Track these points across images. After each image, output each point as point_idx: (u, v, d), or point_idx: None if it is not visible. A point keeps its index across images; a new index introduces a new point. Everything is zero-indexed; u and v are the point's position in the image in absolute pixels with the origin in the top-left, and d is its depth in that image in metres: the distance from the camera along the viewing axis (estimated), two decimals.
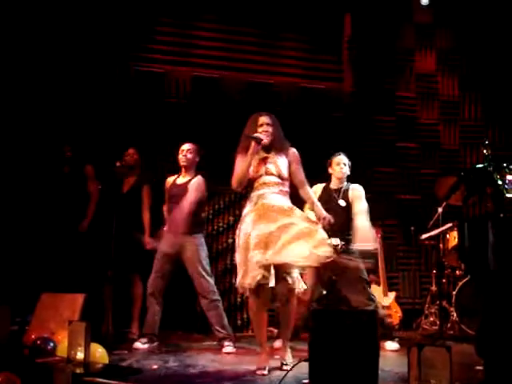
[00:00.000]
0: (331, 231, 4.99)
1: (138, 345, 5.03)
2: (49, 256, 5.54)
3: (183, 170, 5.32)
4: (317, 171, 5.30)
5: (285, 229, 3.90)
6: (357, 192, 5.23)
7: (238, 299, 6.29)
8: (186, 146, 5.30)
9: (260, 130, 4.14)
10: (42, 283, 5.21)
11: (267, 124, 4.16)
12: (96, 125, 6.40)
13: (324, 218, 4.17)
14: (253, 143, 4.08)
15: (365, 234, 5.00)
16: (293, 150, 4.26)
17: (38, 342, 4.11)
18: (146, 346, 5.03)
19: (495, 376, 3.24)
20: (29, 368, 3.61)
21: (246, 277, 3.88)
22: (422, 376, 2.77)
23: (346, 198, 5.21)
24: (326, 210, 4.66)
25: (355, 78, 7.55)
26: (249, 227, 3.99)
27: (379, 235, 6.20)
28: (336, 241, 5.03)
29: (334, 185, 5.29)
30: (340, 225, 5.01)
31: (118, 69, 6.74)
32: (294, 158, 4.23)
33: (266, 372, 3.91)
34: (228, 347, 4.91)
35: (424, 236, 6.28)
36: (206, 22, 7.09)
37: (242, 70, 7.19)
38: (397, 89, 7.69)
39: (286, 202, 4.08)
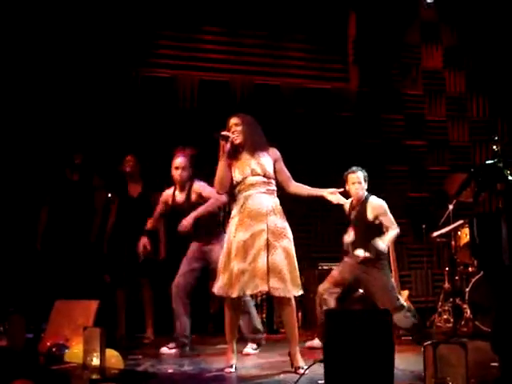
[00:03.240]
0: (356, 243, 5.12)
1: (164, 350, 5.01)
2: (61, 263, 5.57)
3: (178, 186, 5.14)
4: (324, 172, 5.32)
5: (256, 237, 3.96)
6: (378, 209, 5.14)
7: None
8: (179, 162, 5.06)
9: (230, 131, 4.14)
10: (55, 291, 5.24)
11: (235, 124, 4.14)
12: (104, 131, 6.44)
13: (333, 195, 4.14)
14: (222, 142, 4.09)
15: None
16: (274, 149, 4.24)
17: (53, 349, 4.13)
18: (173, 350, 5.00)
19: (511, 372, 3.23)
20: (44, 375, 3.63)
21: (231, 287, 3.95)
22: (437, 374, 2.76)
23: (363, 212, 5.14)
24: (352, 225, 5.17)
25: (361, 77, 7.56)
26: (231, 233, 4.07)
27: None
28: (360, 252, 5.10)
29: (353, 199, 5.23)
30: (362, 238, 5.12)
31: (125, 75, 6.78)
32: (277, 156, 4.22)
33: (233, 370, 4.05)
34: (247, 348, 4.93)
35: (435, 234, 6.26)
36: (210, 30, 7.14)
37: (249, 72, 7.22)
38: (404, 87, 7.70)
39: (268, 203, 4.06)
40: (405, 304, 5.18)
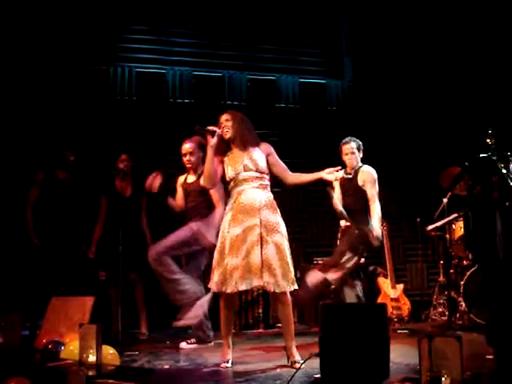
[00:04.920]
0: (346, 211, 5.19)
1: (182, 345, 5.05)
2: (57, 260, 5.57)
3: (191, 171, 5.24)
4: (320, 165, 5.28)
5: (249, 231, 3.98)
6: (367, 175, 5.21)
7: (249, 297, 6.30)
8: (186, 148, 5.17)
9: (221, 127, 4.17)
10: (51, 288, 5.24)
11: (226, 120, 4.19)
12: (94, 129, 6.43)
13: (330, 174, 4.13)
14: (208, 137, 4.11)
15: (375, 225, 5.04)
16: (266, 143, 4.27)
17: (50, 346, 4.12)
18: (193, 346, 5.04)
19: (506, 365, 3.25)
20: (41, 372, 3.62)
21: (225, 283, 3.96)
22: (433, 367, 2.77)
23: (355, 181, 5.22)
24: (345, 193, 5.28)
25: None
26: (225, 229, 4.08)
27: (385, 228, 6.20)
28: (342, 222, 5.30)
29: (347, 169, 5.30)
30: (349, 204, 5.22)
31: (115, 70, 6.77)
32: (270, 151, 4.24)
33: (229, 365, 4.09)
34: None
35: (430, 227, 6.27)
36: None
37: (242, 67, 7.21)
38: None
39: (262, 198, 4.07)
40: (349, 267, 5.03)
